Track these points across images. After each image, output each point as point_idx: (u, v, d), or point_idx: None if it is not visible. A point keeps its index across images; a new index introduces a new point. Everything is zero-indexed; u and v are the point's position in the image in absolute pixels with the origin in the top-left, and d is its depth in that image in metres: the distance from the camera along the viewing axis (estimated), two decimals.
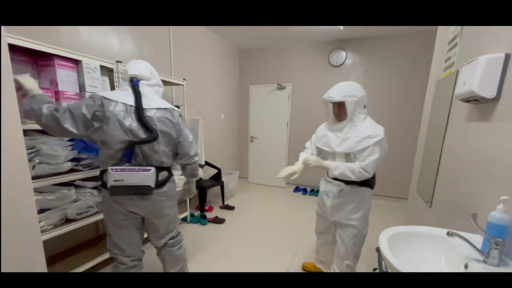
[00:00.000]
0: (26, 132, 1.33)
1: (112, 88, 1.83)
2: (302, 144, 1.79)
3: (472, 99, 1.05)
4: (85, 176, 1.64)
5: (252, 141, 4.61)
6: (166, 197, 1.39)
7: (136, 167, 1.23)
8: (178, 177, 2.25)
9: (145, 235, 1.51)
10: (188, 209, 2.85)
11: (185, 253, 1.61)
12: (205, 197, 3.17)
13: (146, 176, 1.25)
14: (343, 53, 3.74)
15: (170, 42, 2.83)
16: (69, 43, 1.84)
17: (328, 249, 1.81)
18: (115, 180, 1.20)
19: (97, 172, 1.69)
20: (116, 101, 1.20)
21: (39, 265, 1.13)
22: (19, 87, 1.16)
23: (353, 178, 1.41)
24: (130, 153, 1.23)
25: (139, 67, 1.33)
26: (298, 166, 1.54)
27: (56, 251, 1.87)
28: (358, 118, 1.44)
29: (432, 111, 1.77)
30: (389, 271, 0.86)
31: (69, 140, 1.55)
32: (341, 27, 3.24)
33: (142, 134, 1.23)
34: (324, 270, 1.92)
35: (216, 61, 3.79)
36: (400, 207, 3.50)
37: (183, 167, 1.51)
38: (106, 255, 1.85)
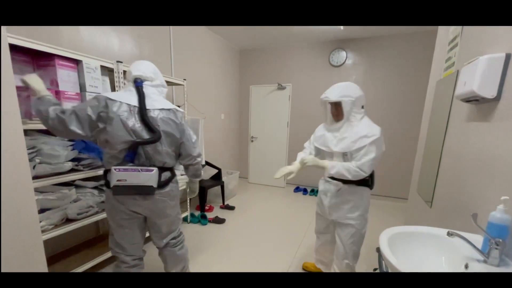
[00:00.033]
0: (26, 132, 1.34)
1: (113, 88, 1.84)
2: (302, 144, 1.79)
3: (473, 99, 1.05)
4: (86, 176, 1.64)
5: (252, 141, 4.61)
6: (168, 197, 1.39)
7: (139, 167, 1.24)
8: (179, 177, 2.26)
9: (147, 235, 1.51)
10: (189, 209, 2.85)
11: (187, 253, 1.62)
12: (206, 197, 3.17)
13: (149, 176, 1.25)
14: (344, 53, 3.74)
15: (170, 42, 2.84)
16: (70, 43, 1.84)
17: (328, 249, 1.82)
18: (118, 180, 1.21)
19: (97, 172, 1.70)
20: (120, 101, 1.21)
21: (40, 265, 1.13)
22: (26, 87, 1.17)
23: (349, 177, 1.42)
24: (133, 154, 1.24)
25: (142, 68, 1.33)
26: (295, 165, 1.55)
27: (56, 251, 1.87)
28: (355, 118, 1.46)
29: (433, 111, 1.77)
30: (390, 271, 0.86)
31: (69, 140, 1.56)
32: (342, 27, 3.24)
33: (145, 135, 1.23)
34: (324, 270, 1.92)
35: (216, 61, 3.79)
36: (400, 207, 3.50)
37: (186, 168, 1.51)
38: (106, 255, 1.85)
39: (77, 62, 1.56)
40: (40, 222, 1.41)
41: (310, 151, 1.70)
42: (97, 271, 1.92)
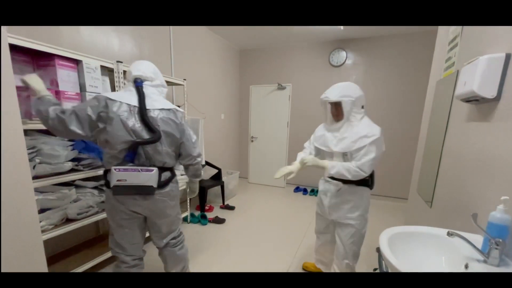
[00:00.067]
0: (27, 132, 1.34)
1: (113, 88, 1.84)
2: (303, 144, 1.80)
3: (473, 99, 1.05)
4: (86, 176, 1.64)
5: (252, 141, 4.61)
6: (168, 197, 1.39)
7: (139, 167, 1.24)
8: (179, 177, 2.26)
9: (147, 235, 1.51)
10: (189, 209, 2.85)
11: (187, 253, 1.62)
12: (206, 197, 3.17)
13: (149, 177, 1.25)
14: (344, 53, 3.74)
15: (170, 42, 2.84)
16: (70, 43, 1.84)
17: (328, 248, 1.82)
18: (118, 180, 1.21)
19: (97, 172, 1.70)
20: (120, 101, 1.21)
21: (40, 265, 1.13)
22: (26, 87, 1.17)
23: (349, 177, 1.43)
24: (133, 154, 1.24)
25: (142, 68, 1.33)
26: (294, 166, 1.55)
27: (56, 251, 1.87)
28: (355, 118, 1.46)
29: (433, 111, 1.77)
30: (390, 271, 0.86)
31: (69, 140, 1.56)
32: (342, 27, 3.24)
33: (145, 135, 1.24)
34: (324, 270, 1.92)
35: (216, 61, 3.79)
36: (400, 207, 3.50)
37: (186, 168, 1.51)
38: (106, 255, 1.85)
39: (77, 62, 1.56)
40: (40, 222, 1.41)
41: (310, 151, 1.70)
42: (97, 271, 1.92)
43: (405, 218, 2.46)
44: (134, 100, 1.24)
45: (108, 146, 1.22)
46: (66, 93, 1.48)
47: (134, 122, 1.21)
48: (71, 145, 1.56)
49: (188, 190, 1.71)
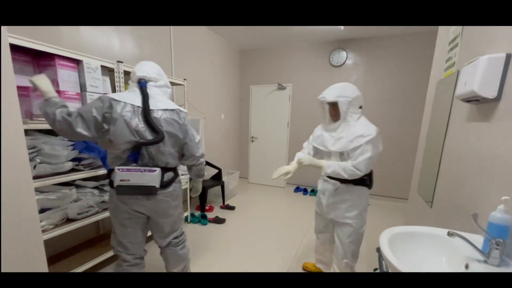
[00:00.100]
0: (27, 132, 1.34)
1: (113, 88, 1.84)
2: (302, 144, 1.80)
3: (473, 99, 1.05)
4: (86, 176, 1.64)
5: (252, 141, 4.61)
6: (171, 197, 1.39)
7: (142, 168, 1.24)
8: (181, 177, 2.27)
9: (149, 234, 1.52)
10: (189, 209, 2.86)
11: (188, 253, 1.62)
12: (206, 197, 3.17)
13: (152, 177, 1.26)
14: (344, 53, 3.74)
15: (170, 42, 2.84)
16: (70, 43, 1.85)
17: (327, 248, 1.82)
18: (121, 180, 1.22)
19: (97, 172, 1.70)
20: (124, 102, 1.22)
21: (40, 265, 1.14)
22: (34, 88, 1.17)
23: (345, 176, 1.43)
24: (136, 154, 1.25)
25: (146, 69, 1.34)
26: (292, 165, 1.56)
27: (57, 251, 1.87)
28: (352, 118, 1.47)
29: (433, 111, 1.77)
30: (390, 271, 0.86)
31: (69, 140, 1.56)
32: (342, 27, 3.24)
33: (149, 135, 1.24)
34: (324, 270, 1.92)
35: (216, 61, 3.79)
36: (400, 207, 3.50)
37: (189, 168, 1.52)
38: (107, 255, 1.85)
39: (77, 62, 1.56)
40: (41, 222, 1.41)
41: (309, 151, 1.71)
42: (98, 271, 1.92)
43: (405, 218, 2.45)
44: (138, 101, 1.25)
45: (112, 146, 1.23)
46: (66, 93, 1.48)
47: (137, 122, 1.22)
48: (71, 145, 1.56)
49: (191, 189, 1.71)
